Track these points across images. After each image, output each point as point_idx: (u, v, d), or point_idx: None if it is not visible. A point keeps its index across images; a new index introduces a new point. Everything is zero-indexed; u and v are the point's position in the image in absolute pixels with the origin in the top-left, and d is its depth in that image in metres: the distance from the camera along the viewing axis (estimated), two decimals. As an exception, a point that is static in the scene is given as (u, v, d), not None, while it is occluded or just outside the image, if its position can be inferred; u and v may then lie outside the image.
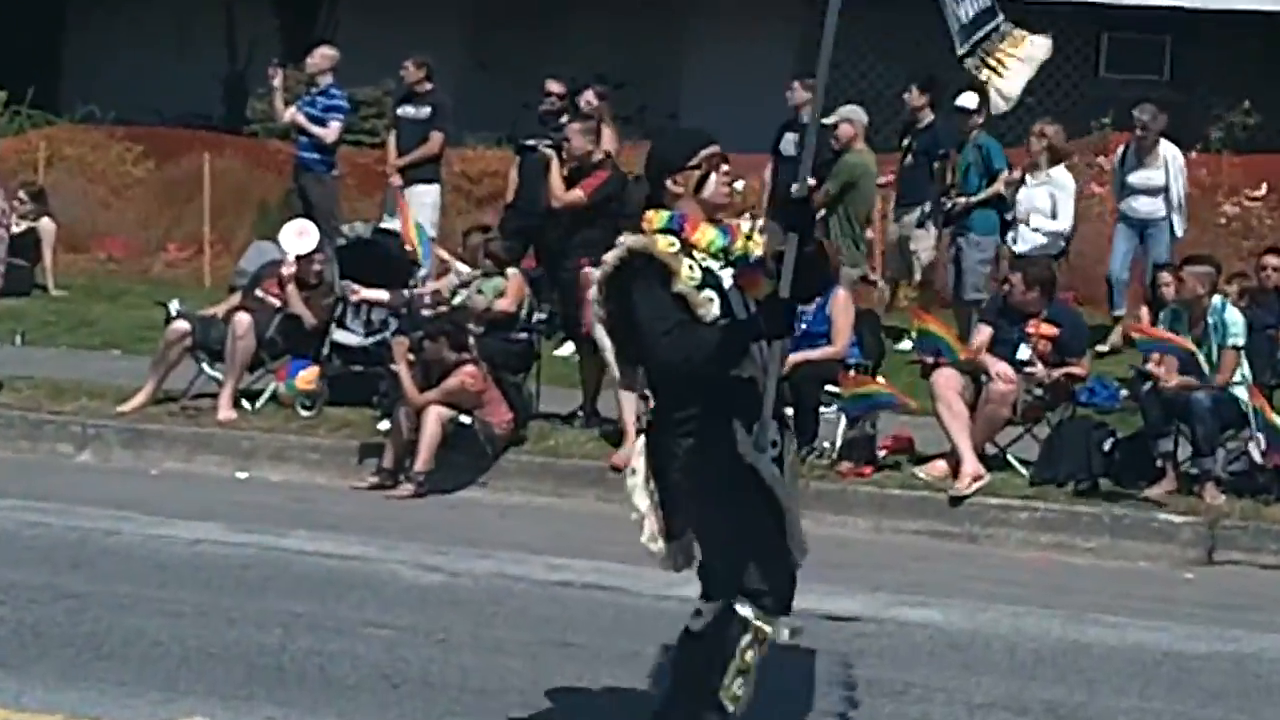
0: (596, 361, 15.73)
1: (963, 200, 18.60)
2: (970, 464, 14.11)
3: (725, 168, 7.32)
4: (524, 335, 16.25)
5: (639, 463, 7.30)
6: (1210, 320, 14.19)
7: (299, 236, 16.80)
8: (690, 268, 6.99)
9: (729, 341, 6.97)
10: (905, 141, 19.38)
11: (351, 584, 11.62)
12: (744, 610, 7.07)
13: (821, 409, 15.05)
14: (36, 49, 26.89)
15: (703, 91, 22.68)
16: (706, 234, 7.13)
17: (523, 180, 19.24)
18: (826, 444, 14.96)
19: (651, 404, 7.75)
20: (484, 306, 15.91)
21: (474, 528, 13.64)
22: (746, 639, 7.15)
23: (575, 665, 9.85)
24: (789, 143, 19.05)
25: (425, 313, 16.15)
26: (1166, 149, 18.48)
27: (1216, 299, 14.41)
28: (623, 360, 7.31)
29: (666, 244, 7.00)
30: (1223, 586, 12.68)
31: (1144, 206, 18.60)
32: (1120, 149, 19.38)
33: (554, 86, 19.56)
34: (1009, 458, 14.79)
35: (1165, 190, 18.38)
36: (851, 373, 15.08)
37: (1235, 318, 14.32)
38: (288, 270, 16.55)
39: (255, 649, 9.88)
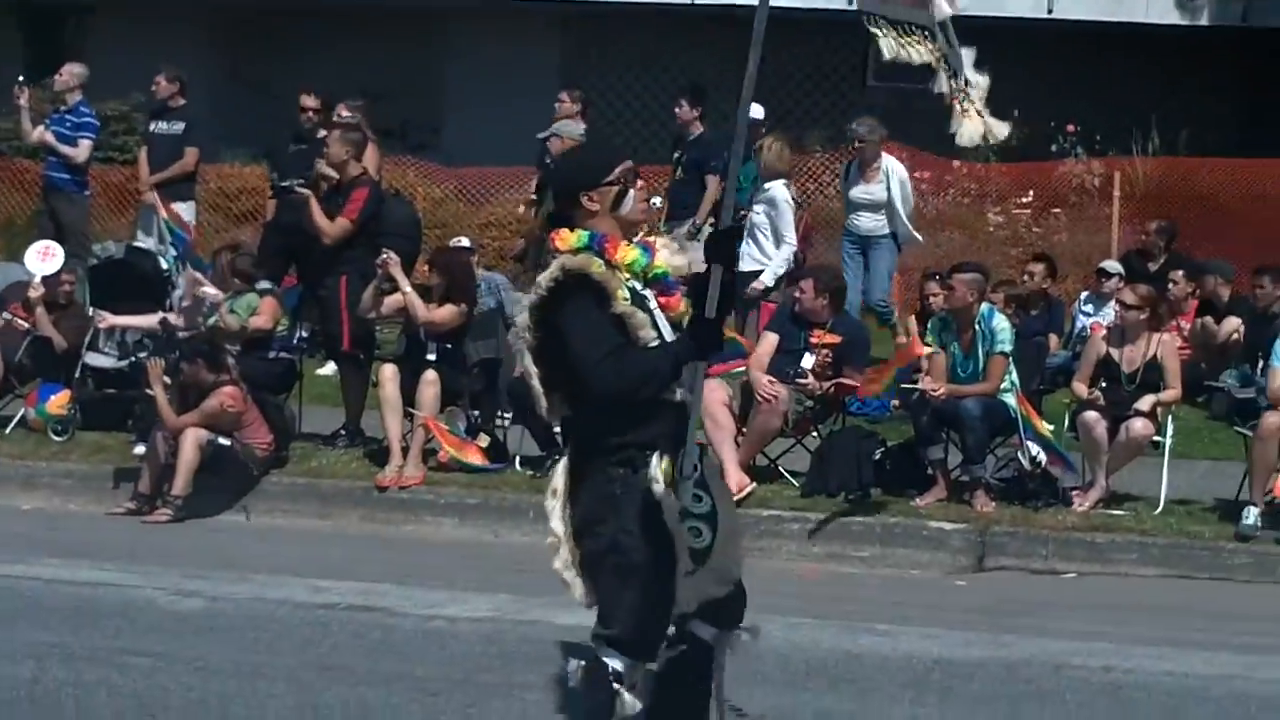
0: (360, 380, 15.69)
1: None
2: (734, 475, 14.05)
3: (640, 183, 7.05)
4: (285, 355, 15.99)
5: (559, 483, 6.96)
6: (979, 328, 14.27)
7: (44, 258, 16.55)
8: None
9: (665, 364, 6.73)
10: (676, 155, 19.29)
11: (107, 612, 11.39)
12: (611, 661, 6.75)
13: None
14: None
15: (467, 105, 22.62)
16: (629, 253, 6.85)
17: (281, 200, 18.99)
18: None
19: (569, 430, 7.18)
20: (237, 326, 15.60)
21: (234, 552, 13.42)
22: (617, 695, 6.78)
23: (340, 688, 9.71)
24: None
25: (181, 334, 15.85)
26: (888, 162, 18.28)
27: (985, 306, 14.49)
28: (550, 387, 6.89)
29: (597, 264, 6.72)
30: (993, 593, 12.77)
31: (865, 223, 18.33)
32: (845, 164, 19.39)
33: (309, 101, 19.26)
34: (780, 469, 14.73)
35: (889, 205, 18.27)
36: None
37: (1003, 324, 14.42)
38: (34, 293, 16.23)
39: (7, 682, 9.65)
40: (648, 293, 6.87)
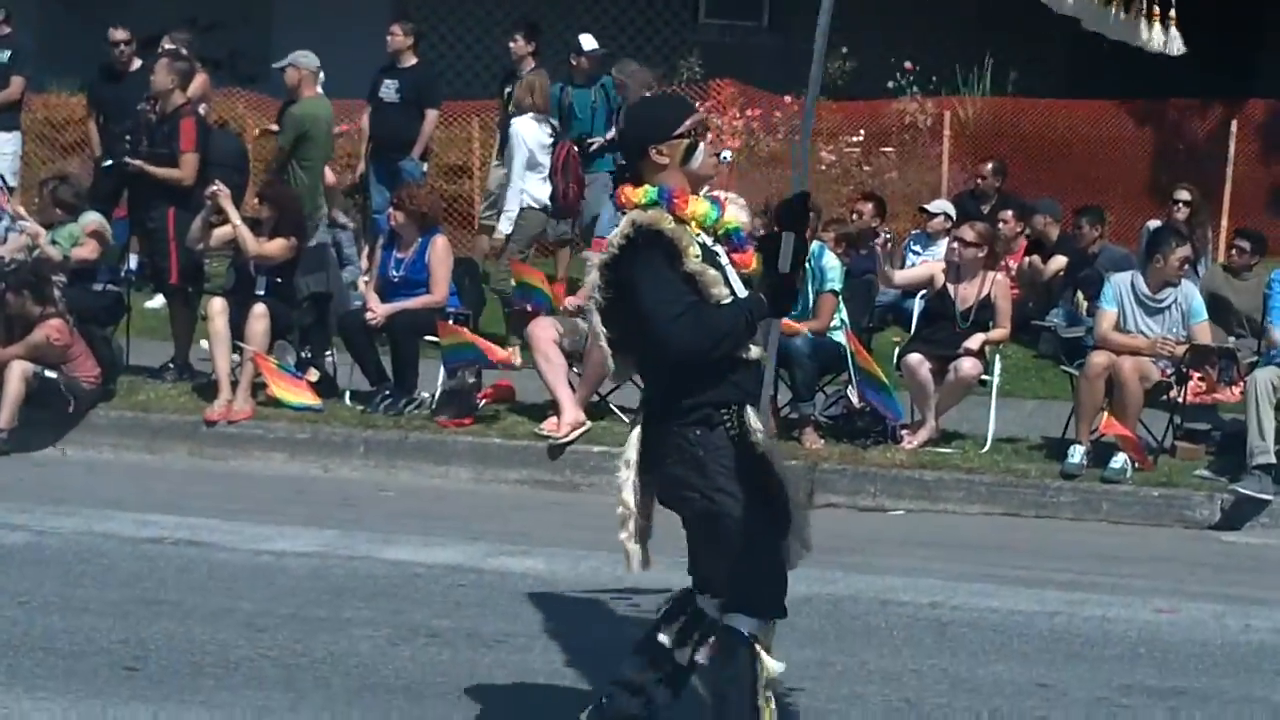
0: (188, 314, 15.62)
1: (598, 140, 18.57)
2: (570, 412, 14.12)
3: (710, 136, 6.93)
4: (112, 287, 15.84)
5: (631, 454, 6.81)
6: (809, 265, 14.29)
7: None
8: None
9: (740, 322, 6.61)
10: (506, 90, 19.16)
11: None
12: (743, 626, 6.62)
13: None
14: None
15: (296, 36, 22.39)
16: (700, 207, 6.72)
17: (106, 134, 18.76)
18: (425, 394, 14.79)
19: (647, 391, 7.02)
20: (59, 257, 15.42)
21: (60, 486, 13.30)
22: (755, 657, 6.64)
23: (167, 622, 9.64)
24: (389, 89, 18.84)
25: (6, 264, 15.65)
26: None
27: (814, 245, 14.52)
28: (619, 349, 6.79)
29: (668, 220, 6.58)
30: (821, 529, 12.59)
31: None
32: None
33: (118, 34, 18.97)
34: (610, 405, 14.77)
35: None
36: (449, 322, 14.96)
37: (833, 263, 14.53)
38: None
39: None
40: (719, 248, 6.76)
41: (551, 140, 16.97)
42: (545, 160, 16.84)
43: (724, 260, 6.72)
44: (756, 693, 6.59)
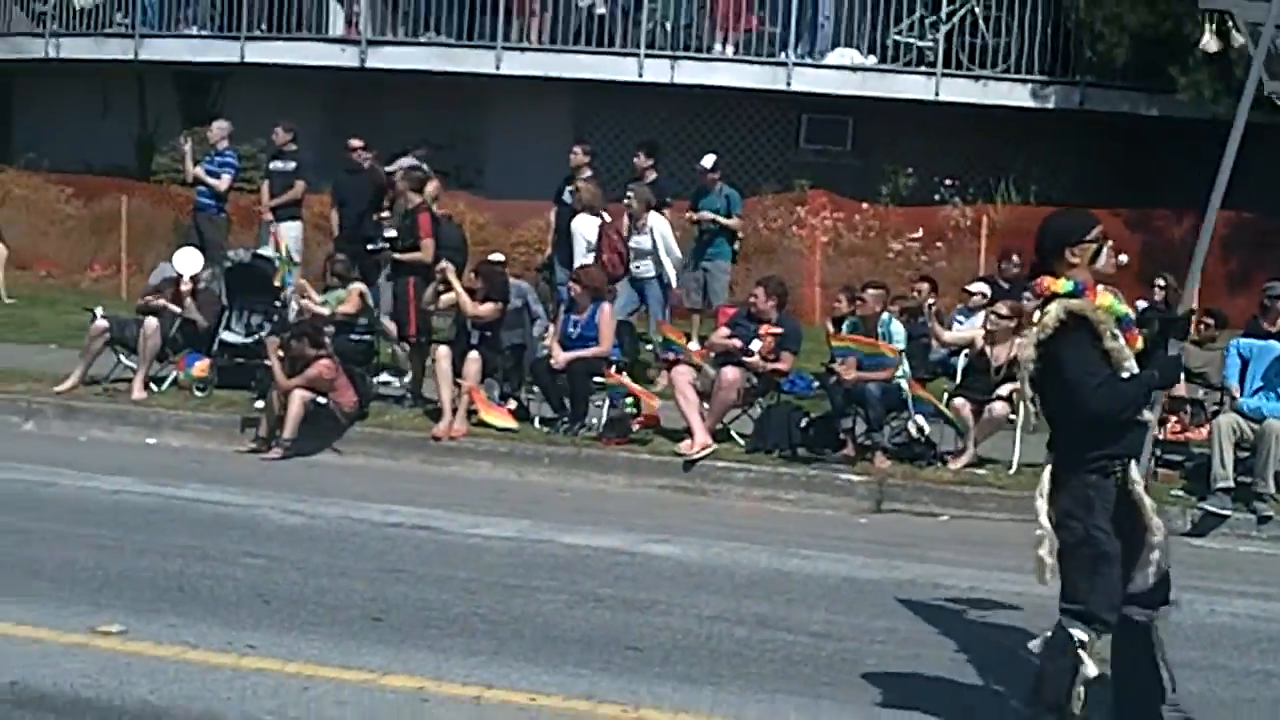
0: (420, 358, 15.64)
1: (714, 219, 18.50)
2: (701, 436, 14.08)
3: (1111, 243, 6.80)
4: (366, 336, 15.95)
5: (1044, 487, 6.71)
6: (880, 330, 14.29)
7: (187, 260, 16.48)
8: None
9: (1142, 392, 6.58)
10: (628, 191, 18.96)
11: (233, 524, 11.38)
12: (1077, 632, 6.45)
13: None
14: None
15: (503, 154, 22.58)
16: (1107, 299, 6.64)
17: (343, 217, 19.08)
18: (595, 421, 14.78)
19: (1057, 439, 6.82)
20: (327, 313, 15.60)
21: (326, 483, 13.34)
22: (1079, 659, 6.45)
23: (403, 586, 9.69)
24: (569, 193, 18.85)
25: (291, 318, 15.85)
26: (654, 220, 17.31)
27: (885, 314, 14.50)
28: (1040, 407, 6.73)
29: (1092, 308, 6.51)
30: (888, 529, 12.74)
31: (638, 269, 17.39)
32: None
33: (355, 142, 19.28)
34: (731, 431, 14.67)
35: (654, 252, 17.34)
36: (612, 369, 15.00)
37: (898, 328, 14.46)
38: (185, 286, 16.22)
39: (160, 574, 9.67)
40: (1116, 330, 6.61)
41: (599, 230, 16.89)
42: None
43: (1121, 340, 6.59)
44: (1074, 684, 6.44)
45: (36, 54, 25.75)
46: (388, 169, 18.38)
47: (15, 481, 12.57)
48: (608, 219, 17.01)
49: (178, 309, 16.14)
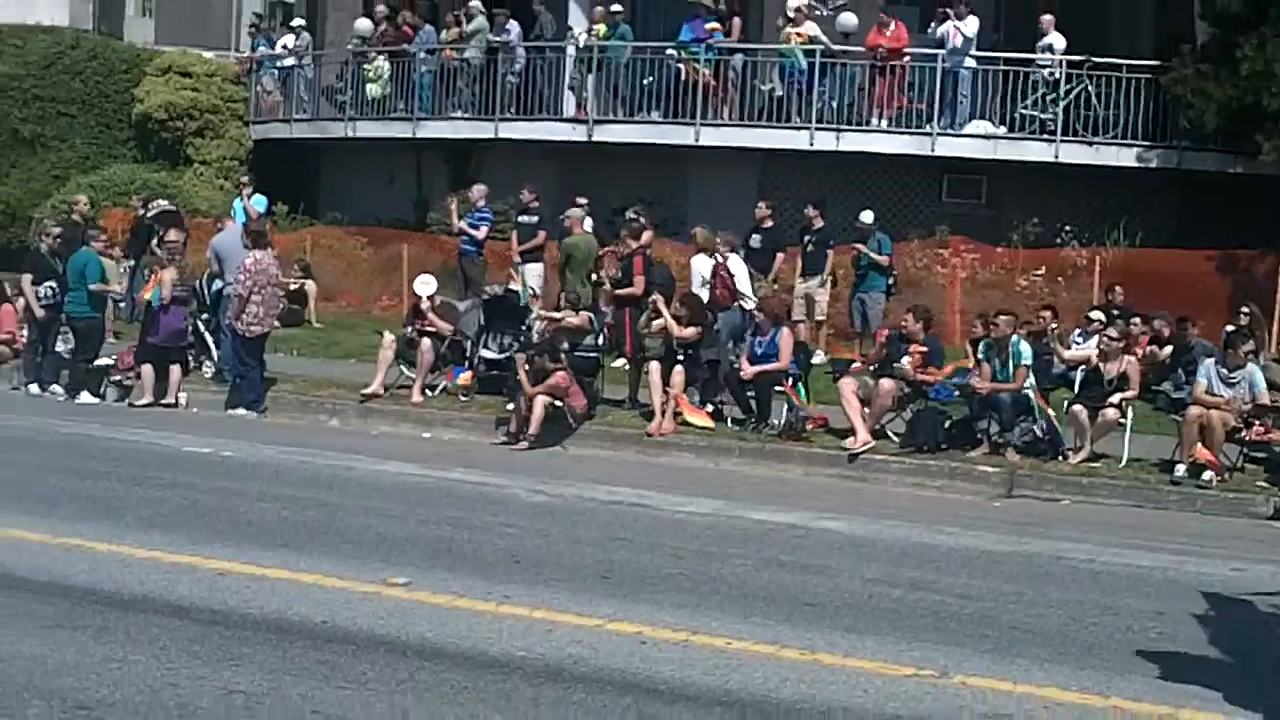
0: (636, 371, 15.77)
1: (874, 256, 18.57)
2: (862, 434, 14.01)
3: None
4: (593, 353, 16.07)
5: None
6: (1011, 349, 14.09)
7: (425, 284, 16.80)
8: None
9: None
10: (804, 238, 19.13)
11: (491, 501, 11.55)
12: None
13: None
14: (304, 180, 27.03)
15: (700, 208, 22.61)
16: None
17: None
18: (776, 421, 14.74)
19: None
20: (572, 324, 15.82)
21: (563, 469, 13.48)
22: None
23: (625, 551, 9.75)
24: (755, 240, 18.87)
25: (534, 339, 16.04)
26: (733, 263, 16.89)
27: (1015, 336, 14.27)
28: None
29: None
30: (1017, 512, 12.55)
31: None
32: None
33: (580, 200, 19.69)
34: (887, 431, 14.56)
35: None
36: (789, 381, 14.95)
37: (1025, 348, 14.22)
38: (424, 305, 16.48)
39: (435, 539, 9.85)
40: None
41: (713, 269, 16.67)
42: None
43: None
44: None
45: (338, 134, 26.38)
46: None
47: (324, 465, 12.90)
48: (720, 259, 16.91)
49: (449, 327, 16.39)
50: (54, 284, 17.01)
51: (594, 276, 18.18)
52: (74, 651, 6.69)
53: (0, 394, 17.21)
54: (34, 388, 17.09)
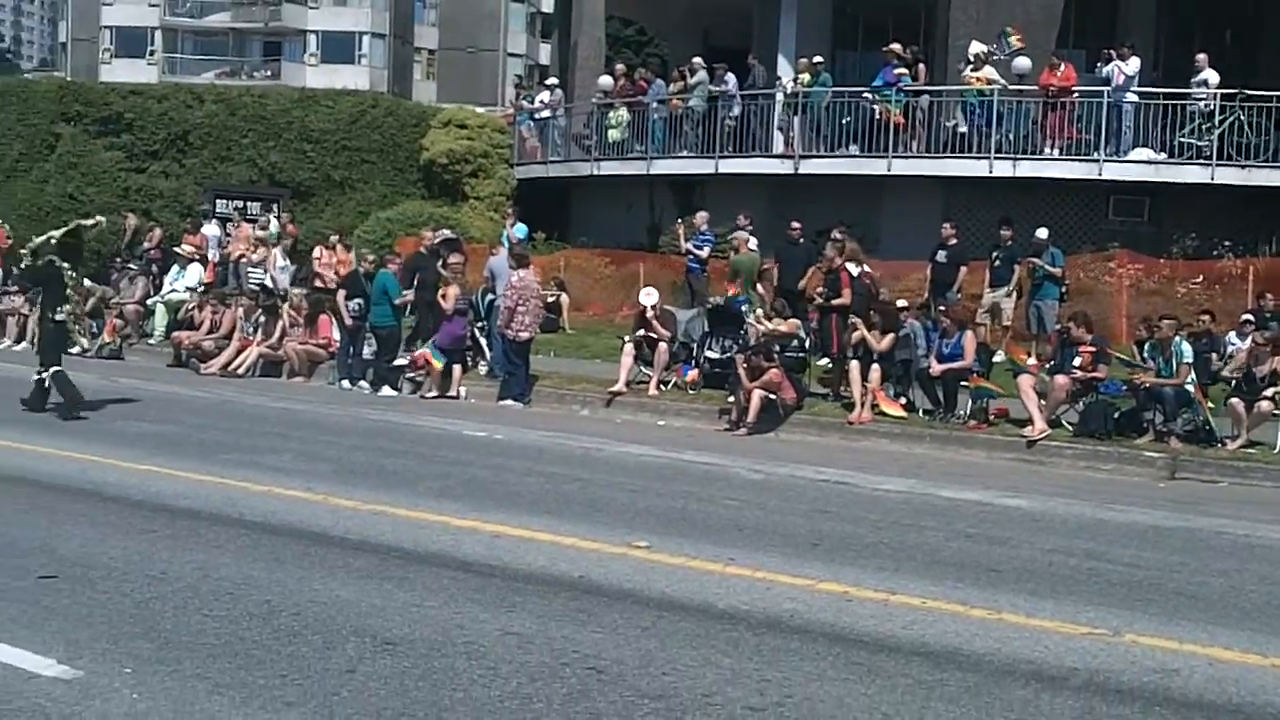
0: (838, 370, 15.55)
1: (1048, 268, 18.15)
2: (1039, 423, 13.59)
3: None
4: (801, 353, 15.93)
5: None
6: (1173, 349, 13.51)
7: (648, 295, 16.92)
8: None
9: None
10: (994, 253, 18.71)
11: (716, 479, 11.48)
12: None
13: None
14: (557, 211, 27.44)
15: (893, 229, 22.30)
16: None
17: (783, 278, 19.10)
18: (962, 412, 14.43)
19: None
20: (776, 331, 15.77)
21: (777, 452, 13.36)
22: None
23: (831, 522, 9.61)
24: (941, 255, 18.54)
25: (751, 341, 15.97)
26: (850, 268, 16.77)
27: (1176, 338, 13.68)
28: None
29: None
30: (1181, 492, 12.00)
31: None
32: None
33: (795, 224, 19.60)
34: (1061, 420, 14.10)
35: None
36: (975, 375, 14.60)
37: (1187, 348, 13.64)
38: (649, 313, 16.51)
39: (670, 510, 9.82)
40: None
41: None
42: None
43: None
44: None
45: (585, 172, 26.76)
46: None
47: (577, 447, 12.95)
48: (866, 269, 16.67)
49: (667, 333, 16.45)
50: (361, 299, 17.63)
51: (758, 286, 18.34)
52: (380, 598, 6.92)
53: (319, 388, 17.86)
54: (345, 383, 17.71)
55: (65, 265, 13.56)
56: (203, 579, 7.14)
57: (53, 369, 13.49)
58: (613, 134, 26.05)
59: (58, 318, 13.64)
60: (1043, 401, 13.84)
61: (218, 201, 25.82)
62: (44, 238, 13.67)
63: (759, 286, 18.54)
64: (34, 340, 18.24)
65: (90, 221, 14.53)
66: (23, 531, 8.16)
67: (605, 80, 27.17)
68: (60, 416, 13.27)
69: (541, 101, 28.65)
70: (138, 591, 6.86)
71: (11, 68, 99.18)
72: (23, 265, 14.38)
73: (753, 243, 19.05)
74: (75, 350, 15.20)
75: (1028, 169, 21.90)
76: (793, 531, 9.16)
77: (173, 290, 21.36)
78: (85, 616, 6.40)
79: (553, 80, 30.42)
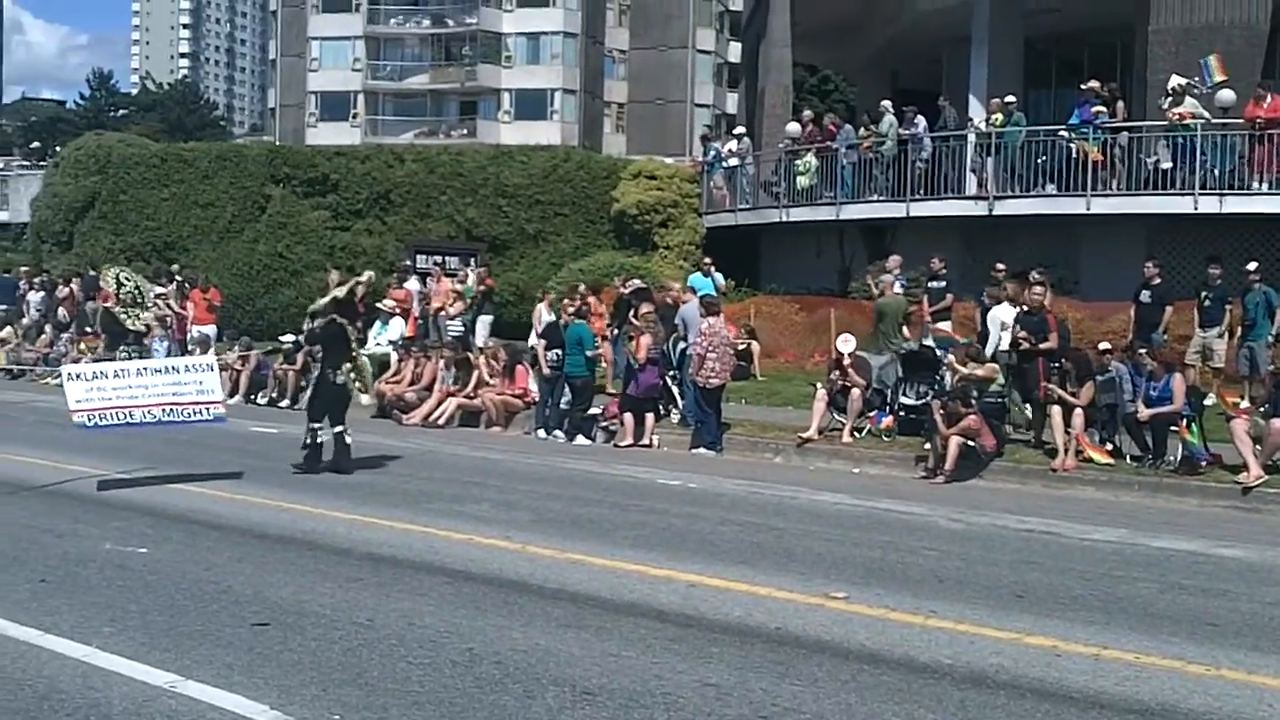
0: (1039, 411, 15.08)
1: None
2: (1255, 469, 12.95)
3: None
4: (1001, 399, 15.51)
5: None
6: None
7: (845, 342, 16.77)
8: None
9: None
10: (1202, 293, 17.92)
11: (914, 528, 11.22)
12: None
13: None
14: (747, 258, 27.45)
15: (1092, 268, 21.63)
16: None
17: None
18: (1172, 458, 13.83)
19: None
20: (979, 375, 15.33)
21: (977, 500, 13.00)
22: None
23: (1036, 573, 9.29)
24: (1145, 295, 17.87)
25: (947, 386, 15.64)
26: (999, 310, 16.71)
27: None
28: None
29: None
30: None
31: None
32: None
33: (1000, 265, 18.89)
34: (1277, 465, 13.37)
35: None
36: (1183, 423, 13.97)
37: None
38: (846, 360, 16.39)
39: (868, 559, 9.61)
40: None
41: None
42: None
43: None
44: None
45: (774, 219, 26.74)
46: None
47: (771, 495, 12.87)
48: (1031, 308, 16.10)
49: (862, 381, 16.24)
50: (559, 350, 17.92)
51: (904, 330, 18.15)
52: (579, 647, 6.97)
53: (515, 437, 18.19)
54: (541, 432, 18.00)
55: (344, 322, 13.68)
56: (408, 627, 7.31)
57: (336, 428, 13.50)
58: (801, 180, 26.00)
59: (339, 379, 13.66)
60: (1258, 446, 13.17)
61: (418, 257, 26.66)
62: (326, 299, 13.74)
63: (905, 330, 18.22)
64: (291, 397, 18.99)
65: (364, 277, 14.77)
66: (236, 579, 8.49)
67: (793, 127, 27.20)
68: (328, 468, 13.41)
69: (729, 150, 28.83)
70: (346, 639, 7.06)
71: (225, 134, 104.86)
72: (304, 329, 14.53)
73: (898, 286, 18.92)
74: (364, 402, 15.29)
75: (1235, 204, 20.97)
76: (996, 583, 8.89)
77: (376, 344, 22.09)
78: (296, 663, 6.61)
79: (740, 130, 30.55)
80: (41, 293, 27.84)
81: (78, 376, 12.66)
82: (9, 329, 26.77)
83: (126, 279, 18.14)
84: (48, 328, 26.62)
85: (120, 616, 7.47)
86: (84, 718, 5.78)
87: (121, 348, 16.87)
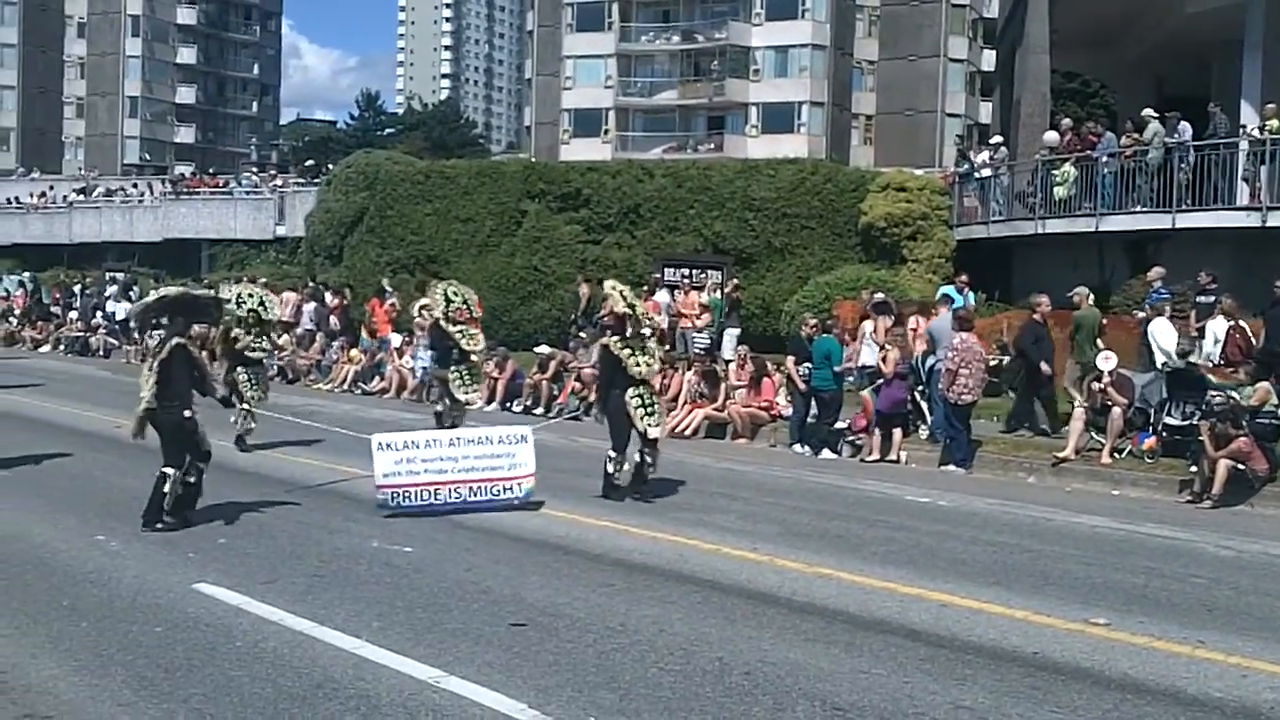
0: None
1: None
2: None
3: None
4: (1274, 420, 14.55)
5: None
6: None
7: (1106, 360, 16.02)
8: None
9: None
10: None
11: (1179, 554, 10.60)
12: None
13: None
14: (999, 272, 26.68)
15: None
16: None
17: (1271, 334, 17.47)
18: None
19: None
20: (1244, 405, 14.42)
21: (1248, 526, 12.23)
22: None
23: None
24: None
25: (1216, 406, 14.78)
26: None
27: None
28: None
29: None
30: None
31: None
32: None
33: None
34: None
35: None
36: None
37: None
38: (1106, 379, 15.70)
39: (1131, 585, 9.16)
40: None
41: None
42: None
43: None
44: None
45: (1028, 231, 25.94)
46: None
47: (1024, 516, 12.52)
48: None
49: (1124, 400, 15.54)
50: (810, 364, 17.81)
51: (1098, 342, 17.32)
52: (828, 661, 6.92)
53: (761, 449, 18.17)
54: (797, 447, 17.91)
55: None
56: (659, 633, 7.41)
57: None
58: (1059, 191, 25.14)
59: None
60: None
61: (666, 270, 26.99)
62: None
63: (1099, 342, 17.32)
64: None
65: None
66: (495, 580, 8.78)
67: (1051, 136, 26.32)
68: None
69: (982, 161, 28.14)
70: (599, 642, 7.21)
71: (483, 151, 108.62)
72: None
73: (1090, 299, 18.21)
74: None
75: None
76: (1272, 614, 8.38)
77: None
78: (552, 664, 6.78)
79: (997, 139, 29.81)
80: (313, 303, 29.47)
81: (388, 446, 11.58)
82: (286, 337, 28.40)
83: (249, 295, 16.02)
84: (319, 335, 28.17)
85: (387, 612, 7.83)
86: (355, 707, 6.08)
87: (240, 369, 15.72)
